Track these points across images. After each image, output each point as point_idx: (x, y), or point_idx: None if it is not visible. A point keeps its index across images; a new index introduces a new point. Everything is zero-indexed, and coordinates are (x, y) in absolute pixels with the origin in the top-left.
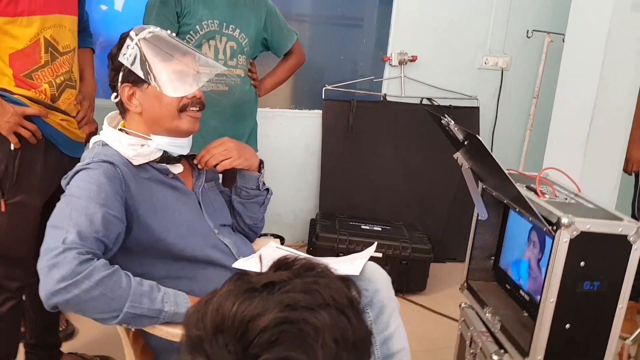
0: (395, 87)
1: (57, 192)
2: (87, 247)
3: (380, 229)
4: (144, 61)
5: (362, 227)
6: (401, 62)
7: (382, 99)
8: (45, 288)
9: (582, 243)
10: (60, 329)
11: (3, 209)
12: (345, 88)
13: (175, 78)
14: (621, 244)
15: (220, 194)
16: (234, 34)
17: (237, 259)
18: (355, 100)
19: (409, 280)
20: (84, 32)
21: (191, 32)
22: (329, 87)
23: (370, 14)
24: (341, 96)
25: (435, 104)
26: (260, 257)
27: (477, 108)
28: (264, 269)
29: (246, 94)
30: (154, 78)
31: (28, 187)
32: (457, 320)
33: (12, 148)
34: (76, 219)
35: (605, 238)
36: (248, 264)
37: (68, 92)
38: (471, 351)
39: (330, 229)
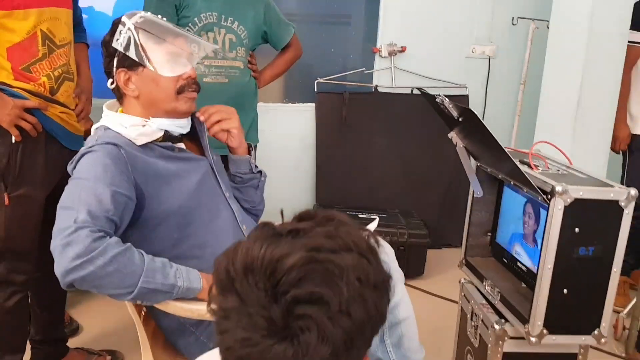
0: (386, 78)
1: (59, 185)
2: (99, 226)
3: (376, 217)
4: (137, 45)
5: (359, 216)
6: (391, 53)
7: (373, 90)
8: (60, 266)
9: (576, 210)
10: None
11: (7, 202)
12: (337, 80)
13: (169, 59)
14: (613, 209)
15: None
16: (233, 26)
17: (241, 227)
18: (347, 92)
19: (407, 265)
20: (78, 27)
21: (190, 25)
22: (321, 80)
23: (359, 6)
24: (333, 89)
25: (425, 93)
26: None
27: (467, 96)
28: None
29: (246, 85)
30: (149, 60)
31: (31, 180)
32: (456, 302)
33: (13, 141)
34: (85, 199)
35: (597, 204)
36: None
37: (66, 85)
38: (473, 324)
39: None
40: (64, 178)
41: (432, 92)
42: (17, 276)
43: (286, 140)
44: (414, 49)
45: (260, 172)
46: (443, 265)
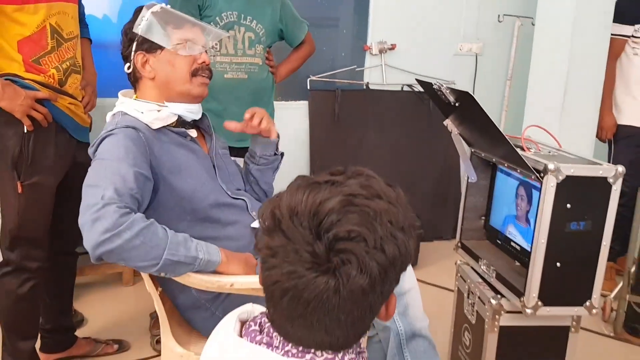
0: (377, 75)
1: (69, 174)
2: (124, 202)
3: None
4: (158, 29)
5: None
6: (381, 51)
7: (365, 87)
8: (91, 240)
9: (568, 186)
10: None
11: (20, 190)
12: (329, 78)
13: (187, 43)
14: (602, 186)
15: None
16: (251, 24)
17: (252, 215)
18: (339, 89)
19: None
20: (81, 22)
21: (211, 24)
22: (314, 78)
23: (348, 5)
24: (326, 86)
25: (416, 90)
26: None
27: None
28: None
29: (264, 81)
30: (168, 42)
31: (42, 169)
32: (449, 290)
33: (25, 131)
34: (111, 177)
35: (587, 181)
36: None
37: (74, 77)
38: (469, 301)
39: None
40: (73, 167)
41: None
42: (30, 263)
43: (281, 137)
44: (403, 46)
45: (282, 153)
46: (436, 257)
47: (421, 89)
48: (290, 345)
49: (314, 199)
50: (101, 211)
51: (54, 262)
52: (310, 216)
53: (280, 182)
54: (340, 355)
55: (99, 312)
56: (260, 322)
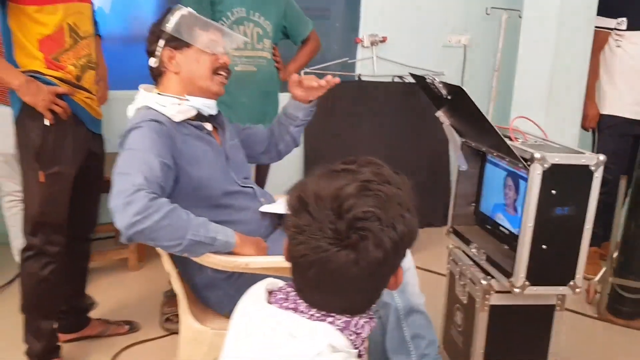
0: (368, 67)
1: (85, 164)
2: (152, 189)
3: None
4: (186, 29)
5: None
6: (372, 43)
7: (357, 78)
8: (123, 221)
9: (553, 174)
10: None
11: (42, 179)
12: (322, 70)
13: (210, 44)
14: (585, 173)
15: (247, 147)
16: (259, 20)
17: (260, 201)
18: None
19: None
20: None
21: (223, 18)
22: (307, 70)
23: None
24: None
25: (406, 81)
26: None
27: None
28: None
29: (272, 74)
30: (195, 40)
31: (62, 159)
32: (441, 274)
33: (46, 124)
34: (139, 166)
35: (571, 169)
36: (274, 207)
37: (89, 73)
38: (461, 283)
39: None
40: (88, 157)
41: (412, 79)
42: (51, 247)
43: None
44: (394, 39)
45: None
46: (426, 243)
47: (412, 80)
48: (314, 310)
49: (335, 185)
50: (132, 196)
51: (69, 247)
52: (332, 199)
53: (277, 169)
54: (356, 318)
55: (109, 295)
56: (287, 291)
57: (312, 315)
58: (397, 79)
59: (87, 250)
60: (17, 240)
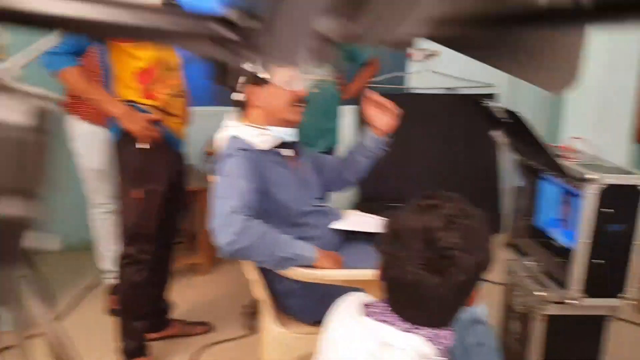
0: (419, 80)
1: (175, 181)
2: (247, 211)
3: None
4: (266, 67)
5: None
6: (424, 57)
7: (408, 91)
8: (223, 240)
9: (605, 193)
10: None
11: (139, 196)
12: (378, 84)
13: (288, 80)
14: (635, 193)
15: (317, 173)
16: None
17: (330, 219)
18: (386, 95)
19: None
20: None
21: None
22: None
23: None
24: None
25: (457, 93)
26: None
27: (494, 95)
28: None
29: (333, 95)
30: (274, 78)
31: (155, 177)
32: (496, 283)
33: (141, 147)
34: (234, 191)
35: (622, 189)
36: (343, 224)
37: (178, 101)
38: (517, 293)
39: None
40: (177, 175)
41: (463, 92)
42: (144, 256)
43: None
44: (445, 52)
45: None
46: None
47: (462, 93)
48: (407, 324)
49: (423, 220)
50: (230, 218)
51: (156, 254)
52: (422, 232)
53: None
54: (442, 330)
55: (182, 298)
56: (382, 306)
57: (405, 327)
58: (448, 92)
59: (170, 256)
60: (101, 248)
